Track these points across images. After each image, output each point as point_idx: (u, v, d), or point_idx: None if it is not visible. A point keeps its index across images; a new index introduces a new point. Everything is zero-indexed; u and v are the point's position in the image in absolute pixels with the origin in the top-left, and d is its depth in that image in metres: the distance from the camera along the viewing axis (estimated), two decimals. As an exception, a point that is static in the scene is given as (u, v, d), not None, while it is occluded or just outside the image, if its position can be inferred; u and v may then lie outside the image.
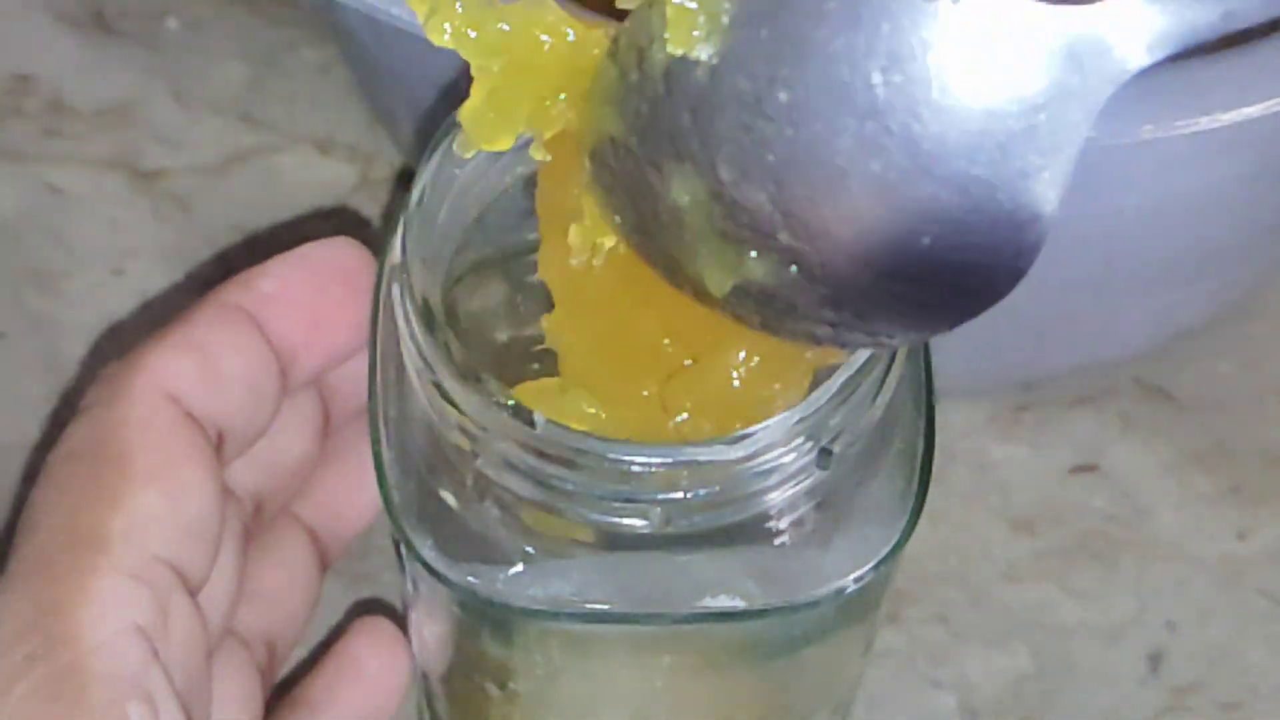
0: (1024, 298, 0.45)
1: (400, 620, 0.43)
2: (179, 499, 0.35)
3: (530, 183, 0.35)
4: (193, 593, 0.35)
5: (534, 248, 0.34)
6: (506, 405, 0.32)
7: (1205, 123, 0.39)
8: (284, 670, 0.43)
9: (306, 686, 0.42)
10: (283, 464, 0.40)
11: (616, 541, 0.33)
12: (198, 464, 0.35)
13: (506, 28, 0.31)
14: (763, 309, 0.31)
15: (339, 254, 0.38)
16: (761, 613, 0.35)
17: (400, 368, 0.34)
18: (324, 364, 0.38)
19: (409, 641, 0.42)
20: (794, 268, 0.30)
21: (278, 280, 0.38)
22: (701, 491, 0.32)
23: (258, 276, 0.38)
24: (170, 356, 0.36)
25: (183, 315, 0.37)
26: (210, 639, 0.36)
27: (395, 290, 0.33)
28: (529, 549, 0.34)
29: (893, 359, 0.33)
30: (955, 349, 0.38)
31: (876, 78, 0.29)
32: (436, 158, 0.34)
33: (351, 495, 0.42)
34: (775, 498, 0.33)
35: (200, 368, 0.36)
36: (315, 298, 0.38)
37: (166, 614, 0.34)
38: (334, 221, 0.53)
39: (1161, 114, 0.38)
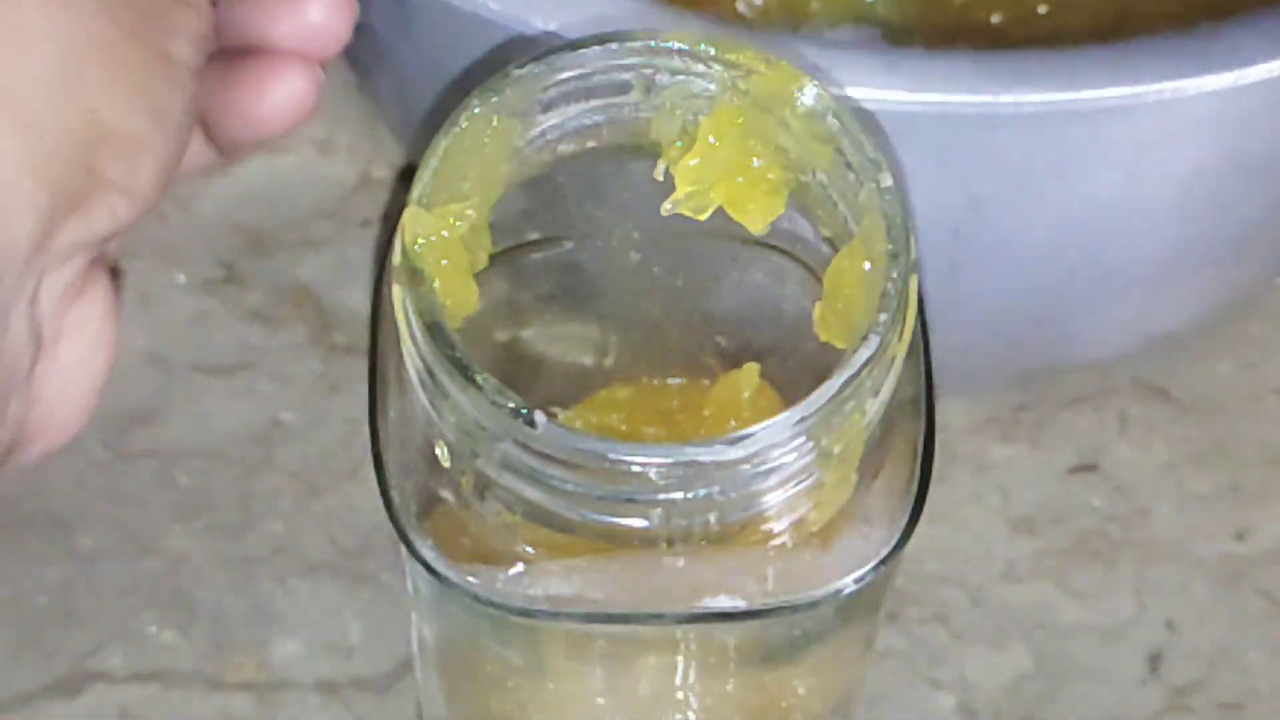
0: (1000, 298, 0.45)
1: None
2: None
3: (530, 184, 0.35)
4: None
5: (534, 248, 0.34)
6: (506, 405, 0.32)
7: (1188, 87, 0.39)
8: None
9: None
10: None
11: (616, 541, 0.33)
12: None
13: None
14: None
15: None
16: (761, 613, 0.35)
17: (400, 368, 0.34)
18: None
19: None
20: None
21: None
22: (701, 491, 0.32)
23: None
24: None
25: None
26: None
27: (395, 290, 0.33)
28: (529, 549, 0.34)
29: (893, 359, 0.33)
30: (947, 348, 0.38)
31: None
32: (436, 160, 0.34)
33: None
34: (775, 498, 0.33)
35: None
36: None
37: None
38: (334, 221, 0.53)
39: (1145, 76, 0.39)
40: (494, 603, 0.35)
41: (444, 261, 0.33)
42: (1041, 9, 0.48)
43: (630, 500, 0.32)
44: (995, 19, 0.48)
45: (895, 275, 0.33)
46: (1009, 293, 0.44)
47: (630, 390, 0.39)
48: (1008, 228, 0.42)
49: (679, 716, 0.40)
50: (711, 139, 0.34)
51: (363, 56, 0.49)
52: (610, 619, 0.35)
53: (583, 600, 0.34)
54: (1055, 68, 0.40)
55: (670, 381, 0.39)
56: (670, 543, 0.33)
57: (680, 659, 0.38)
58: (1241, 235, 0.45)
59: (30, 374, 0.35)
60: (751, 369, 0.36)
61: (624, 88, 0.35)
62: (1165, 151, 0.41)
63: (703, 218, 0.35)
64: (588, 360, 0.41)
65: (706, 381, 0.38)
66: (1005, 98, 0.39)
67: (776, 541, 0.34)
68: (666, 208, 0.35)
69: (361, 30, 0.47)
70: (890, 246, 0.33)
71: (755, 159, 0.34)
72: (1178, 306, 0.48)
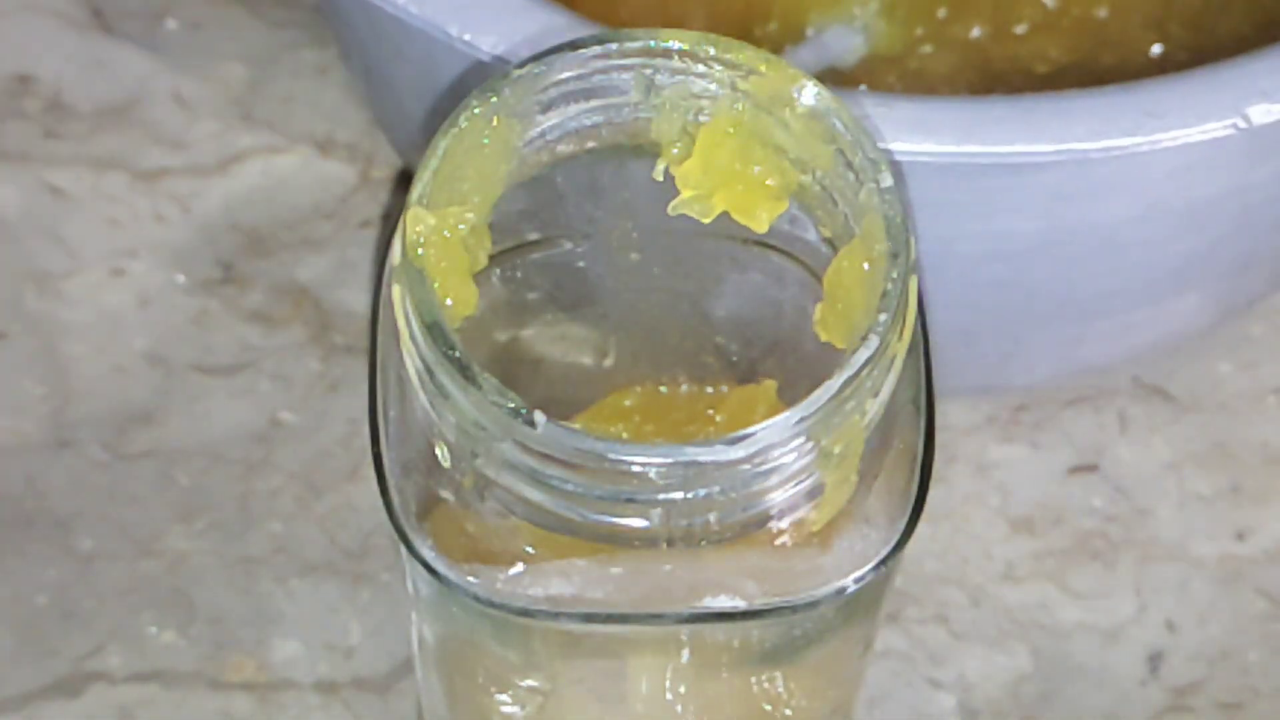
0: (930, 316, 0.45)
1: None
2: None
3: (529, 184, 0.35)
4: None
5: (534, 248, 0.34)
6: (506, 405, 0.32)
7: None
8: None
9: None
10: None
11: (616, 541, 0.33)
12: None
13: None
14: None
15: None
16: (761, 613, 0.35)
17: (400, 368, 0.34)
18: None
19: None
20: None
21: None
22: (701, 491, 0.32)
23: None
24: None
25: None
26: None
27: (396, 290, 0.33)
28: (529, 549, 0.34)
29: (893, 359, 0.33)
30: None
31: None
32: (436, 160, 0.34)
33: None
34: (775, 498, 0.33)
35: None
36: None
37: None
38: (334, 221, 0.53)
39: (1044, 136, 0.39)
40: (494, 603, 0.35)
41: (444, 263, 0.33)
42: (1019, 29, 0.48)
43: (630, 500, 0.32)
44: (975, 34, 0.48)
45: (895, 275, 0.33)
46: (938, 312, 0.44)
47: (637, 399, 0.39)
48: (930, 253, 0.42)
49: (678, 717, 0.40)
50: (710, 147, 0.34)
51: (359, 62, 0.49)
52: (610, 619, 0.35)
53: (583, 600, 0.34)
54: (953, 119, 0.39)
55: (677, 389, 0.39)
56: (670, 543, 0.33)
57: (680, 659, 0.38)
58: (1176, 274, 0.45)
59: None
60: (769, 386, 0.36)
61: (623, 88, 0.35)
62: (1082, 201, 0.41)
63: (708, 220, 0.35)
64: (587, 361, 0.41)
65: (711, 389, 0.38)
66: (897, 145, 0.39)
67: (776, 541, 0.34)
68: (673, 207, 0.35)
69: (358, 38, 0.47)
70: (890, 246, 0.33)
71: (755, 166, 0.34)
72: (1109, 340, 0.47)
